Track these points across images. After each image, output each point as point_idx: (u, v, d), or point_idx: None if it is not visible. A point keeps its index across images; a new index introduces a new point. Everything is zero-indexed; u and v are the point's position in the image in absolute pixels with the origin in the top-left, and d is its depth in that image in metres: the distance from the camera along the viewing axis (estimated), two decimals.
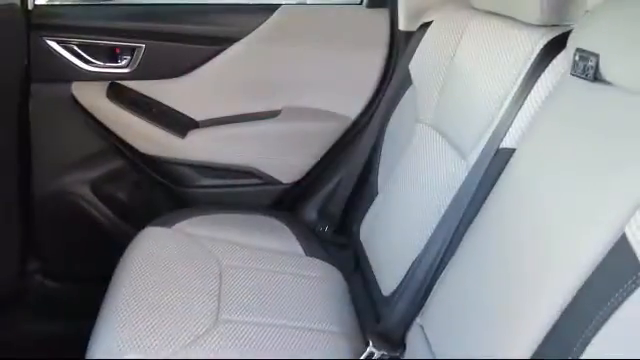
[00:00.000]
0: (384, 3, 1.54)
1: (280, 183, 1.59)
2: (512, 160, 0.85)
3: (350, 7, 1.60)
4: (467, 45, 1.15)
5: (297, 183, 1.59)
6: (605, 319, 0.58)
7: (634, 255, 0.58)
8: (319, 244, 1.42)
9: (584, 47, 0.73)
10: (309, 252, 1.37)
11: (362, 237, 1.34)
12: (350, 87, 1.55)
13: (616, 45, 0.69)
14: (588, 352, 0.60)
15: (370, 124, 1.49)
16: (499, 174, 0.86)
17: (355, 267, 1.36)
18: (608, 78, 0.70)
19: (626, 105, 0.66)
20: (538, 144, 0.80)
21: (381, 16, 1.54)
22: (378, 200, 1.33)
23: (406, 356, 0.98)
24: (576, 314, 0.62)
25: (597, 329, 0.59)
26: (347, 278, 1.33)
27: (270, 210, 1.54)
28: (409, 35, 1.44)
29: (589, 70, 0.71)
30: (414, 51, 1.37)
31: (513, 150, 0.86)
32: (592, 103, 0.72)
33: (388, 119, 1.42)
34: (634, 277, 0.57)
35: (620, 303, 0.58)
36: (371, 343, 1.00)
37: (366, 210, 1.36)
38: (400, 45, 1.50)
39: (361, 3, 1.57)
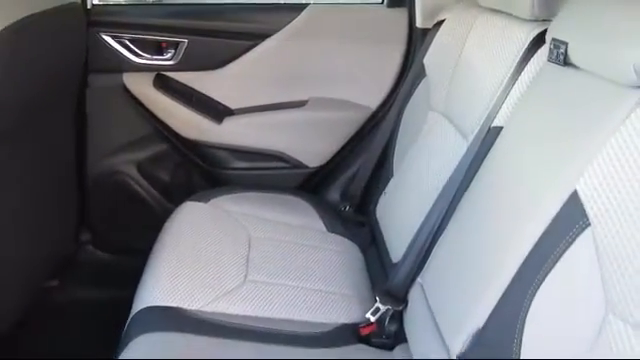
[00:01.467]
0: (403, 3, 1.67)
1: (306, 167, 1.73)
2: (500, 136, 0.97)
3: (372, 6, 1.74)
4: (473, 40, 1.27)
5: (321, 167, 1.73)
6: (557, 258, 0.71)
7: (582, 205, 0.70)
8: (340, 222, 1.54)
9: (557, 37, 0.85)
10: (330, 229, 1.50)
11: (378, 214, 1.47)
12: (371, 80, 1.68)
13: (582, 35, 0.81)
14: (543, 289, 0.72)
15: (388, 114, 1.61)
16: (489, 149, 0.98)
17: (371, 242, 1.49)
18: (575, 62, 0.82)
19: (587, 84, 0.78)
20: (520, 121, 0.92)
21: (400, 15, 1.67)
22: (392, 181, 1.46)
23: (407, 310, 1.10)
24: (536, 257, 0.75)
25: (552, 266, 0.71)
26: (364, 252, 1.46)
27: (296, 191, 1.68)
28: (425, 32, 1.56)
29: (560, 56, 0.83)
30: (429, 46, 1.49)
31: (501, 128, 0.98)
32: (562, 84, 0.84)
33: (404, 109, 1.54)
34: (580, 222, 0.69)
35: (569, 244, 0.70)
36: (378, 300, 1.13)
37: (382, 190, 1.49)
38: (417, 41, 1.62)
39: (382, 3, 1.71)
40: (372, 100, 1.69)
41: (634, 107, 0.67)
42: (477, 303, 0.83)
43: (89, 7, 1.58)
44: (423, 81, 1.48)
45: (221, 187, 1.64)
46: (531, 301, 0.73)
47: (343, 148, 1.73)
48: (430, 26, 1.55)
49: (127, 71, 1.64)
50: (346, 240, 1.47)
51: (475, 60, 1.23)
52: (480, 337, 0.81)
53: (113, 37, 1.61)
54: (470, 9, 1.36)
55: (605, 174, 0.68)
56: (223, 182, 1.71)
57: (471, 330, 0.83)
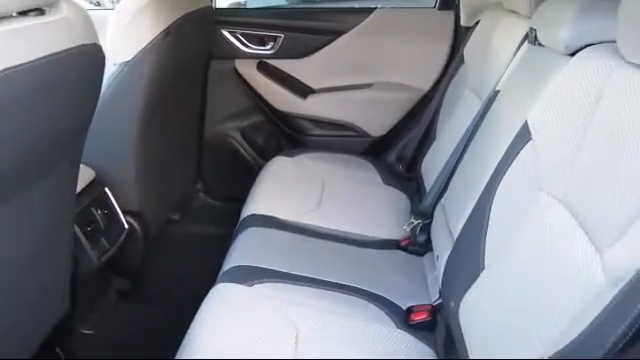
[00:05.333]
0: (451, 6, 2.10)
1: (370, 135, 2.20)
2: (497, 97, 1.39)
3: (426, 9, 2.20)
4: (498, 34, 1.68)
5: (382, 136, 2.19)
6: (510, 163, 1.11)
7: (528, 128, 1.10)
8: (394, 178, 1.99)
9: (532, 25, 1.26)
10: (386, 182, 1.95)
11: (422, 169, 1.90)
12: (424, 67, 2.13)
13: (544, 22, 1.22)
14: (501, 184, 1.13)
15: (436, 94, 2.04)
16: (490, 106, 1.40)
17: (416, 191, 1.92)
18: (541, 42, 1.23)
19: (544, 55, 1.19)
20: (507, 84, 1.34)
21: (448, 16, 2.11)
22: (434, 144, 1.89)
23: (433, 224, 1.54)
24: (500, 167, 1.15)
25: (507, 169, 1.12)
26: (411, 200, 1.89)
27: (361, 154, 2.14)
28: (467, 29, 1.98)
29: (533, 38, 1.24)
30: (468, 40, 1.91)
31: (499, 91, 1.40)
32: (532, 56, 1.25)
33: (447, 89, 1.97)
34: (526, 138, 1.10)
35: (517, 153, 1.10)
36: (412, 217, 1.58)
37: (426, 152, 1.92)
38: (461, 37, 2.04)
39: (434, 7, 2.15)
40: (424, 83, 2.13)
41: (563, 66, 1.08)
42: (468, 200, 1.26)
43: (214, 9, 2.11)
44: (462, 67, 1.90)
45: (303, 148, 2.13)
46: (495, 193, 1.14)
47: (400, 121, 2.17)
48: (472, 24, 1.96)
49: (238, 58, 2.16)
50: (397, 191, 1.91)
51: (496, 47, 1.64)
52: (468, 220, 1.23)
53: (229, 32, 2.13)
54: (498, 11, 1.77)
55: (544, 107, 1.09)
56: (304, 145, 2.19)
57: (464, 217, 1.26)
